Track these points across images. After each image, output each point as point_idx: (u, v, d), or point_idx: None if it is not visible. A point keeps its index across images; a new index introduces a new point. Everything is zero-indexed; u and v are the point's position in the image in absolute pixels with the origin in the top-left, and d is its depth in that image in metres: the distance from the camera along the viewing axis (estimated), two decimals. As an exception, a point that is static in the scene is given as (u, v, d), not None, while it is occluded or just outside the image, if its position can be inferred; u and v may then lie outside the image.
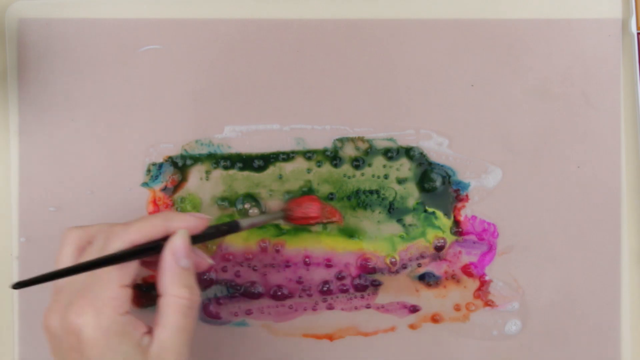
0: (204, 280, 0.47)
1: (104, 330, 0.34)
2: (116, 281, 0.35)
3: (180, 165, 0.47)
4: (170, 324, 0.35)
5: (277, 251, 0.47)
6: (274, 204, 0.47)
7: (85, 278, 0.35)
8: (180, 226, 0.37)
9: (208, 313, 0.47)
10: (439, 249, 0.47)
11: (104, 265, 0.34)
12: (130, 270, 0.36)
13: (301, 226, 0.47)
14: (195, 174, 0.47)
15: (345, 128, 0.47)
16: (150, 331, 0.36)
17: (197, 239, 0.38)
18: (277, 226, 0.47)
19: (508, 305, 0.47)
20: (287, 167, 0.47)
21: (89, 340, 0.34)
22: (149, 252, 0.36)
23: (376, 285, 0.47)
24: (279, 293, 0.47)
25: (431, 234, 0.47)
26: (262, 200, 0.47)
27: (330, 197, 0.47)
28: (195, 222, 0.37)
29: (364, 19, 0.47)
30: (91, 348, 0.34)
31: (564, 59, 0.47)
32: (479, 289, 0.47)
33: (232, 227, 0.40)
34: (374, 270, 0.47)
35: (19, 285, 0.33)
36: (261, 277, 0.47)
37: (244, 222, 0.41)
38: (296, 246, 0.47)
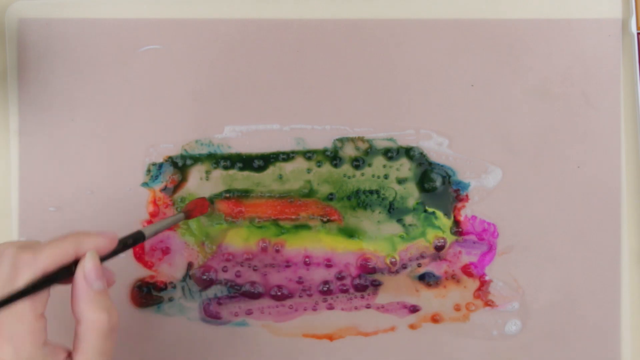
0: (204, 281, 0.47)
1: None
2: (31, 314, 0.34)
3: (180, 165, 0.47)
4: (91, 349, 0.35)
5: (277, 251, 0.47)
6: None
7: None
8: (90, 247, 0.36)
9: (208, 313, 0.47)
10: (439, 249, 0.47)
11: (16, 299, 0.34)
12: (43, 298, 0.35)
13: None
14: (195, 174, 0.47)
15: (345, 128, 0.47)
16: (69, 355, 0.35)
17: (105, 256, 0.37)
18: (277, 226, 0.47)
19: (508, 305, 0.47)
20: (287, 167, 0.47)
21: None
22: (60, 278, 0.35)
23: (376, 285, 0.47)
24: (279, 293, 0.47)
25: (431, 234, 0.47)
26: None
27: (330, 197, 0.47)
28: (104, 242, 0.37)
29: (364, 19, 0.47)
30: None
31: (564, 59, 0.47)
32: (479, 289, 0.47)
33: (137, 239, 0.40)
34: (374, 270, 0.47)
35: None
36: (261, 277, 0.47)
37: (147, 230, 0.40)
38: (296, 246, 0.47)
